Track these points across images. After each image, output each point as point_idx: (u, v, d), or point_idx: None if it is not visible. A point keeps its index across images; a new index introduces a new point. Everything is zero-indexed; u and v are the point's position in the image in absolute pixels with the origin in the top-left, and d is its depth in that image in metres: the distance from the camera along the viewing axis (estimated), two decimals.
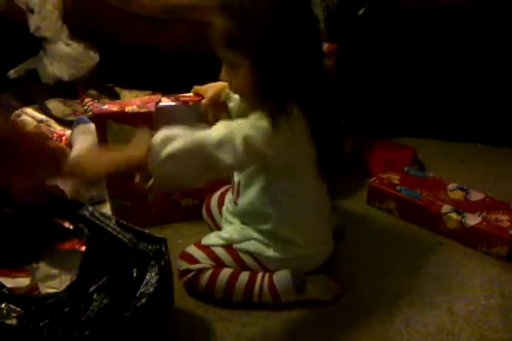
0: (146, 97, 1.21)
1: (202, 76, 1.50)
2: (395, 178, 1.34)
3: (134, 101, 1.16)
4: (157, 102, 1.14)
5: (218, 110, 1.12)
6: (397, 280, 1.11)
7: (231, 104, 1.10)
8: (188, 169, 0.87)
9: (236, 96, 1.06)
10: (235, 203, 1.07)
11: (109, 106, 1.13)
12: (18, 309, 0.70)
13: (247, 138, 0.88)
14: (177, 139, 0.85)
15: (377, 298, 1.06)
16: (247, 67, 0.89)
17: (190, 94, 1.18)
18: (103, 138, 1.12)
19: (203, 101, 1.14)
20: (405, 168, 1.39)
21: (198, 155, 0.87)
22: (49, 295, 0.77)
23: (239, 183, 1.06)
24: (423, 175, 1.38)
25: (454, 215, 1.22)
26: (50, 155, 0.77)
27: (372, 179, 1.35)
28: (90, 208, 0.95)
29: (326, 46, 1.33)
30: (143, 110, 1.12)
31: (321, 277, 1.07)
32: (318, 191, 1.05)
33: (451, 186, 1.31)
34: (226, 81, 0.97)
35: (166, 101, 1.15)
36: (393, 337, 0.99)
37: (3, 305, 0.71)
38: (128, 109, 1.12)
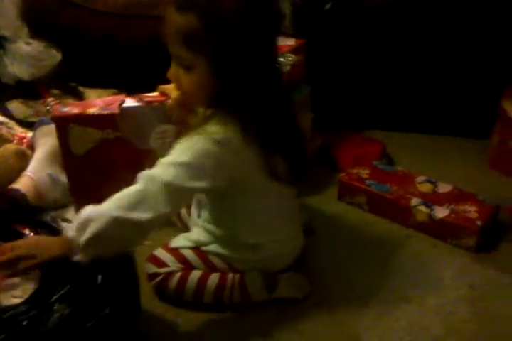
0: (110, 98, 1.18)
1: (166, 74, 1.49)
2: (364, 173, 1.34)
3: (96, 103, 1.13)
4: (121, 103, 1.10)
5: (184, 111, 1.09)
6: (367, 276, 1.11)
7: None
8: (113, 245, 0.84)
9: None
10: (198, 216, 1.06)
11: (71, 109, 1.09)
12: None
13: (168, 185, 0.84)
14: (90, 224, 0.81)
15: (348, 294, 1.06)
16: (204, 67, 0.86)
17: (155, 93, 1.14)
18: (65, 141, 1.09)
19: (168, 101, 1.09)
20: (374, 162, 1.39)
21: (115, 230, 0.82)
22: (7, 308, 0.74)
23: (198, 200, 1.05)
24: (392, 168, 1.38)
25: (423, 208, 1.22)
26: None
27: (342, 174, 1.35)
28: (52, 214, 0.92)
29: (293, 41, 1.32)
30: (106, 112, 1.09)
31: (291, 275, 1.06)
32: (278, 195, 1.00)
33: (419, 179, 1.32)
34: (174, 81, 0.92)
35: (130, 102, 1.11)
36: (365, 332, 0.99)
37: None
38: (90, 110, 1.09)
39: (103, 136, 1.09)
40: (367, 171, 1.35)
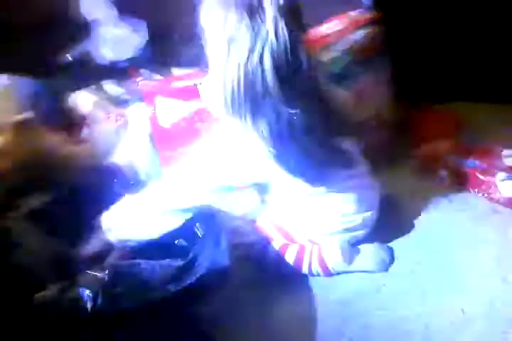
0: (193, 71, 1.25)
1: None
2: (445, 147, 1.32)
3: (181, 77, 1.23)
4: (204, 76, 1.16)
5: None
6: (448, 248, 1.11)
7: None
8: None
9: None
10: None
11: (158, 83, 1.20)
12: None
13: None
14: None
15: (427, 267, 1.07)
16: None
17: None
18: (153, 114, 1.18)
19: None
20: (456, 136, 1.36)
21: None
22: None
23: None
24: (475, 142, 1.34)
25: (511, 182, 1.19)
26: None
27: (422, 148, 1.33)
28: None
29: (372, 14, 1.31)
30: (189, 85, 1.18)
31: (370, 247, 1.09)
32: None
33: (506, 152, 1.28)
34: None
35: None
36: (446, 305, 1.00)
37: None
38: (175, 84, 1.18)
39: (187, 109, 1.18)
40: (448, 145, 1.32)
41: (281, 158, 0.88)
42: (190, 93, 1.17)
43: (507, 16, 1.40)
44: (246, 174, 0.91)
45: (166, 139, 1.21)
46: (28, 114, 1.16)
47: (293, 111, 0.84)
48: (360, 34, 1.24)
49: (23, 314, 0.72)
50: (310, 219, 1.05)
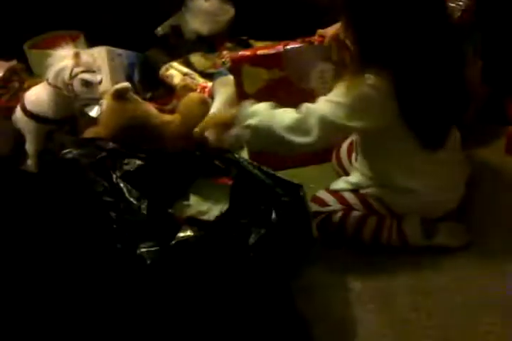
0: (276, 43, 1.29)
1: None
2: None
3: (265, 47, 1.30)
4: (285, 45, 1.25)
5: (341, 48, 1.15)
6: None
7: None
8: (265, 143, 1.03)
9: None
10: (356, 159, 1.12)
11: (244, 52, 1.27)
12: (196, 229, 0.83)
13: (323, 118, 0.96)
14: (254, 117, 1.00)
15: (508, 246, 1.05)
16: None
17: (315, 37, 1.25)
18: (239, 81, 1.26)
19: (325, 40, 1.21)
20: None
21: (271, 136, 0.99)
22: (216, 222, 0.90)
23: (356, 142, 1.10)
24: None
25: None
26: None
27: (511, 127, 1.29)
28: (236, 154, 1.05)
29: None
30: (272, 51, 1.24)
31: (450, 223, 1.09)
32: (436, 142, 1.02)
33: None
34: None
35: (293, 44, 1.25)
36: None
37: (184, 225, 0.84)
38: (259, 52, 1.25)
39: (270, 76, 1.25)
40: None
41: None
42: (274, 60, 1.23)
43: None
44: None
45: None
46: (124, 84, 1.24)
47: None
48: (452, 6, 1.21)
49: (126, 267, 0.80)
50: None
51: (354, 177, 1.13)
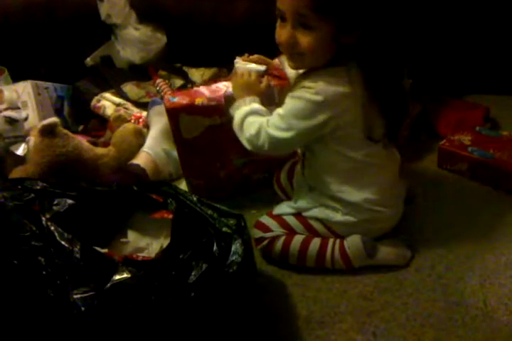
0: (214, 86, 1.22)
1: (262, 49, 1.54)
2: (466, 139, 1.32)
3: (203, 92, 1.20)
4: (225, 92, 1.17)
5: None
6: (470, 242, 1.11)
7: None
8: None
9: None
10: (303, 174, 1.11)
11: (180, 99, 1.17)
12: (134, 270, 0.79)
13: (268, 132, 0.98)
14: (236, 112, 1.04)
15: (449, 261, 1.08)
16: (327, 29, 0.92)
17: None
18: (176, 127, 1.19)
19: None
20: (477, 128, 1.36)
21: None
22: (155, 260, 0.86)
23: (303, 154, 1.10)
24: (496, 133, 1.34)
25: None
26: None
27: (442, 141, 1.34)
28: (174, 186, 1.03)
29: None
30: (212, 103, 1.16)
31: (392, 241, 1.10)
32: (381, 153, 1.05)
33: None
34: (287, 43, 0.95)
35: None
36: (468, 298, 1.00)
37: (120, 267, 0.80)
38: (198, 101, 1.17)
39: (210, 123, 1.18)
40: (469, 137, 1.33)
41: None
42: (215, 110, 1.17)
43: None
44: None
45: (188, 149, 1.23)
46: (52, 119, 1.20)
47: None
48: None
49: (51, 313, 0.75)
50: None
51: (296, 201, 1.13)
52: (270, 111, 1.04)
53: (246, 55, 1.20)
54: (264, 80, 1.12)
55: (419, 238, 1.13)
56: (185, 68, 1.67)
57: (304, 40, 0.93)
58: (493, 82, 1.53)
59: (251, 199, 1.29)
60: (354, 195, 1.04)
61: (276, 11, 0.95)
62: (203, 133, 1.19)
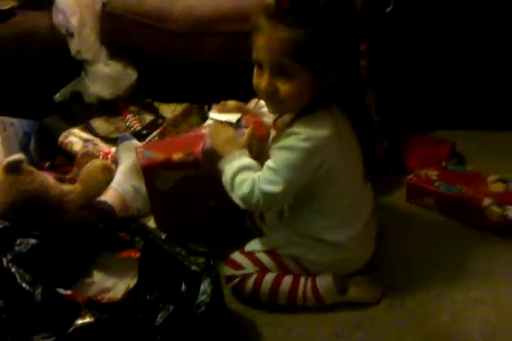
0: (192, 135, 1.21)
1: (233, 86, 1.56)
2: (433, 174, 1.34)
3: (179, 144, 1.18)
4: (203, 146, 1.15)
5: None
6: (440, 278, 1.12)
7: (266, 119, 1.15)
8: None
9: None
10: (279, 217, 1.10)
11: (156, 154, 1.15)
12: (97, 313, 0.77)
13: (262, 188, 0.96)
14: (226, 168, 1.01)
15: (420, 296, 1.08)
16: (306, 76, 0.93)
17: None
18: (150, 181, 1.16)
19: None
20: (443, 163, 1.38)
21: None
22: (120, 302, 0.84)
23: None
24: (462, 168, 1.37)
25: (495, 208, 1.21)
26: None
27: (410, 176, 1.36)
28: (142, 223, 1.01)
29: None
30: (190, 158, 1.14)
31: (363, 278, 1.09)
32: (361, 191, 1.07)
33: (491, 178, 1.30)
34: (266, 91, 0.96)
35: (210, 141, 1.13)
36: (438, 334, 1.00)
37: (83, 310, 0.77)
38: (175, 157, 1.14)
39: (186, 174, 1.16)
40: (436, 172, 1.35)
41: None
42: (191, 164, 1.15)
43: (490, 41, 1.44)
44: None
45: (162, 199, 1.21)
46: (17, 156, 1.17)
47: None
48: None
49: None
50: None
51: (269, 237, 1.12)
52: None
53: (222, 102, 1.18)
54: (247, 132, 1.10)
55: (390, 273, 1.13)
56: (156, 104, 1.67)
57: (284, 88, 0.94)
58: (458, 117, 1.58)
59: (222, 235, 1.27)
60: (337, 235, 1.04)
61: (253, 59, 0.96)
62: (178, 184, 1.17)
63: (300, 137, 0.94)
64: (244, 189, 0.98)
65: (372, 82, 1.39)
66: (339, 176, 1.01)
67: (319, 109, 0.97)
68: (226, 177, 1.01)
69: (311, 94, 0.96)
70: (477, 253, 1.17)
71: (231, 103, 1.17)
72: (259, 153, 1.04)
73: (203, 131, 1.20)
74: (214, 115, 1.15)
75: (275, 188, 0.96)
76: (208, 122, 1.23)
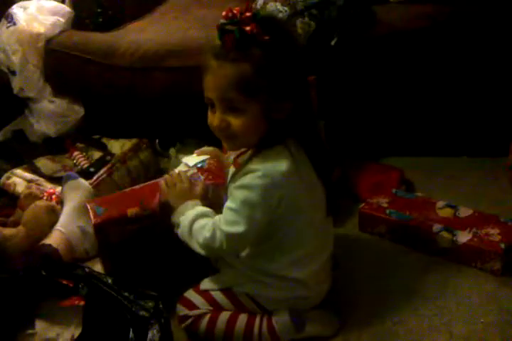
0: (147, 185, 1.18)
1: (181, 120, 1.55)
2: (384, 202, 1.36)
3: (133, 197, 1.13)
4: (160, 198, 1.11)
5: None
6: (395, 306, 1.11)
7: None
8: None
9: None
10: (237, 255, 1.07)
11: (109, 210, 1.09)
12: None
13: (224, 230, 0.95)
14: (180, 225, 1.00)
15: (375, 328, 1.07)
16: (256, 109, 0.93)
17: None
18: (103, 237, 1.11)
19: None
20: (393, 190, 1.40)
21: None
22: None
23: None
24: (411, 195, 1.39)
25: (445, 234, 1.23)
26: None
27: (362, 205, 1.36)
28: (87, 269, 0.97)
29: None
30: (147, 212, 1.10)
31: (319, 312, 1.08)
32: (323, 225, 1.07)
33: (439, 204, 1.33)
34: (219, 127, 0.95)
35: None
36: None
37: None
38: (131, 212, 1.10)
39: (141, 226, 1.11)
40: (386, 200, 1.36)
41: None
42: (147, 218, 1.11)
43: (436, 70, 1.49)
44: None
45: (113, 252, 1.15)
46: None
47: None
48: None
49: None
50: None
51: (224, 275, 1.10)
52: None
53: (204, 147, 1.23)
54: (200, 184, 1.11)
55: (346, 304, 1.12)
56: (104, 140, 1.64)
57: (236, 122, 0.94)
58: (406, 145, 1.61)
59: (177, 271, 1.23)
60: (298, 272, 1.02)
61: (205, 99, 0.97)
62: (132, 236, 1.12)
63: (257, 174, 0.94)
64: (205, 233, 0.96)
65: (320, 111, 1.41)
66: (301, 210, 0.99)
67: (275, 145, 0.96)
68: (183, 227, 1.00)
69: (263, 128, 0.96)
70: (429, 279, 1.18)
71: (209, 149, 1.21)
72: (215, 199, 1.02)
73: (158, 180, 1.17)
74: (185, 160, 1.18)
75: (238, 228, 0.94)
76: (179, 168, 1.22)
